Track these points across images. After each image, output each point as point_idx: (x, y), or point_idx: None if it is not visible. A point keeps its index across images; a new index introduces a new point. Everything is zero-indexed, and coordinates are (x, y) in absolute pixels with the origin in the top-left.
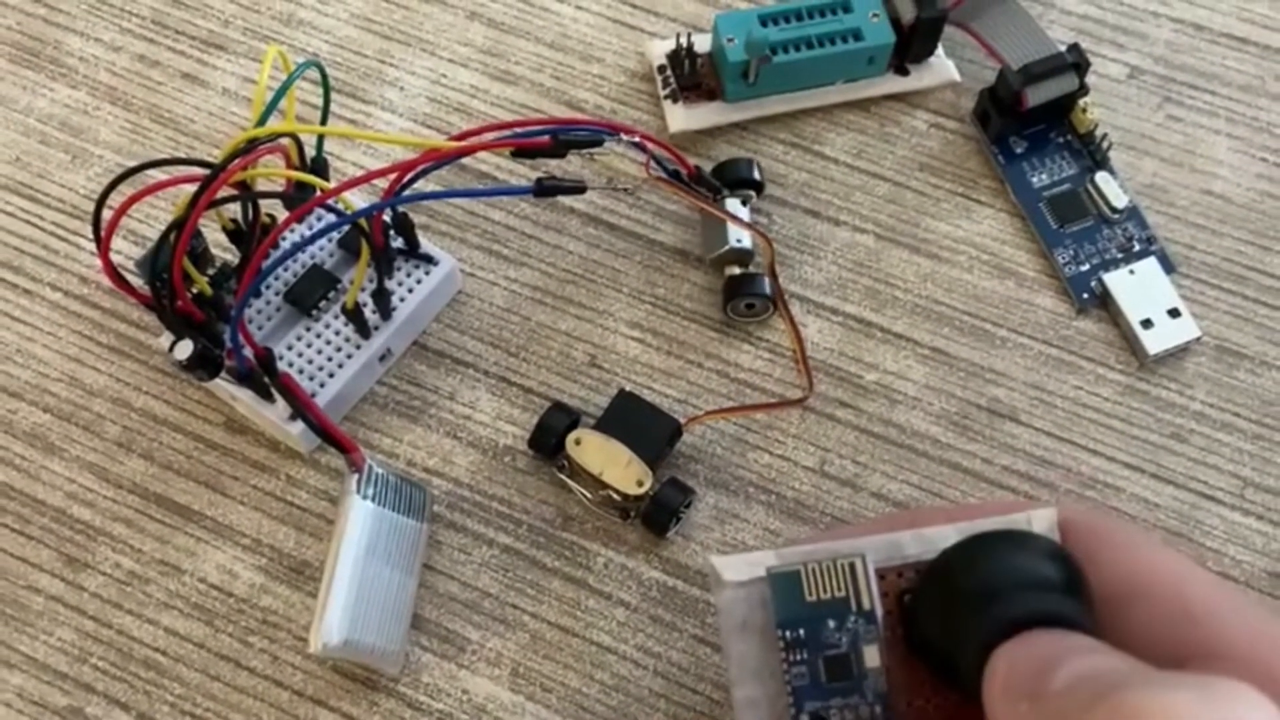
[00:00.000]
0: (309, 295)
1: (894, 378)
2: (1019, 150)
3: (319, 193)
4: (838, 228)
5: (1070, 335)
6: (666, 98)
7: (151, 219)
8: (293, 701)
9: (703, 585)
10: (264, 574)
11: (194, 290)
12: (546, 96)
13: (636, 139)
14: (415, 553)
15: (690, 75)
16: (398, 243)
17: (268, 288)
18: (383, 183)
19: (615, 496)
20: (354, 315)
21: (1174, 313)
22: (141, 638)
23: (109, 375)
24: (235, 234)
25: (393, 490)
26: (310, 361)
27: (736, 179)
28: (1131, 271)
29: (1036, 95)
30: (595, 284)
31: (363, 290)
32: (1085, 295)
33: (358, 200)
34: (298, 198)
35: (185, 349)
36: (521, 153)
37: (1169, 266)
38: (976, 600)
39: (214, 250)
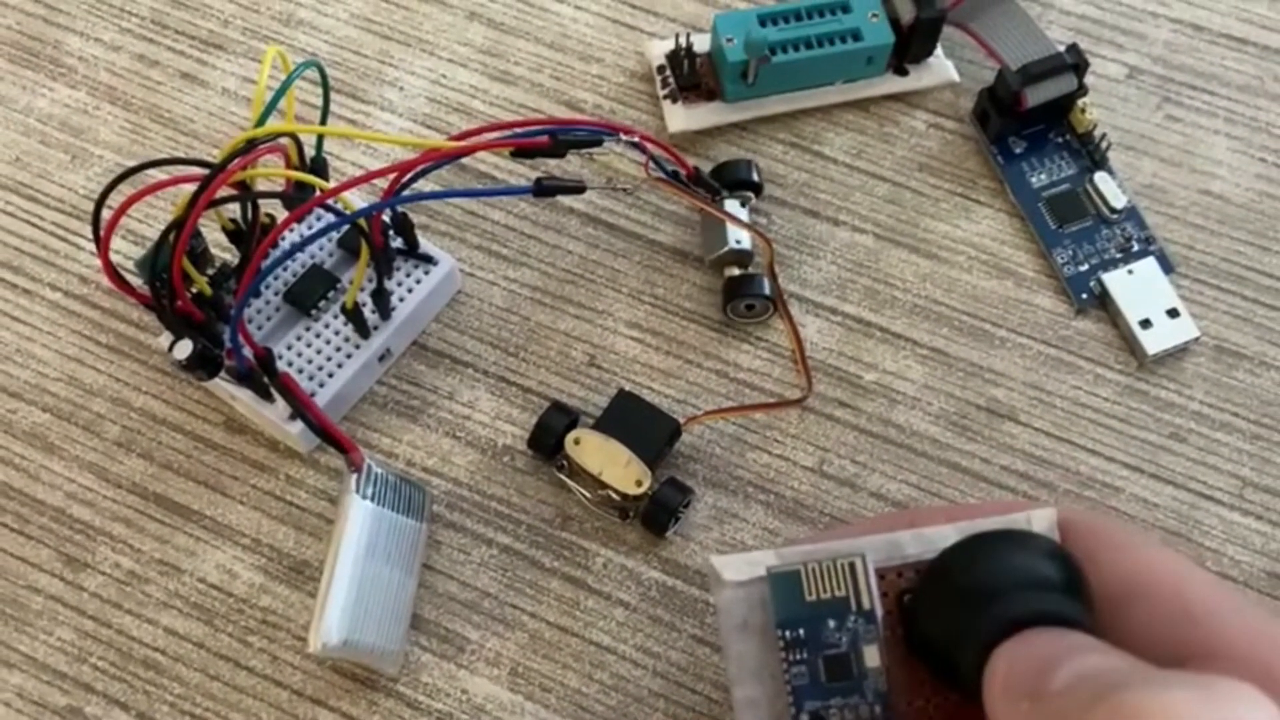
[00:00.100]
0: (308, 295)
1: (893, 378)
2: (1018, 150)
3: (318, 193)
4: (837, 228)
5: (1069, 335)
6: (666, 98)
7: (151, 219)
8: (292, 701)
9: (702, 585)
10: (263, 574)
11: (194, 290)
12: (546, 97)
13: (636, 139)
14: (415, 552)
15: (689, 75)
16: (397, 243)
17: (267, 288)
18: (382, 183)
19: (614, 496)
20: (353, 315)
21: (1173, 313)
22: (141, 637)
23: (108, 375)
24: (235, 234)
25: (392, 490)
26: (310, 361)
27: (735, 180)
28: (1130, 271)
29: (1035, 95)
30: (594, 284)
31: (362, 290)
32: (1084, 295)
33: (357, 200)
34: (297, 198)
35: (185, 349)
36: (521, 153)
37: (1168, 266)
38: (977, 600)
39: (214, 250)
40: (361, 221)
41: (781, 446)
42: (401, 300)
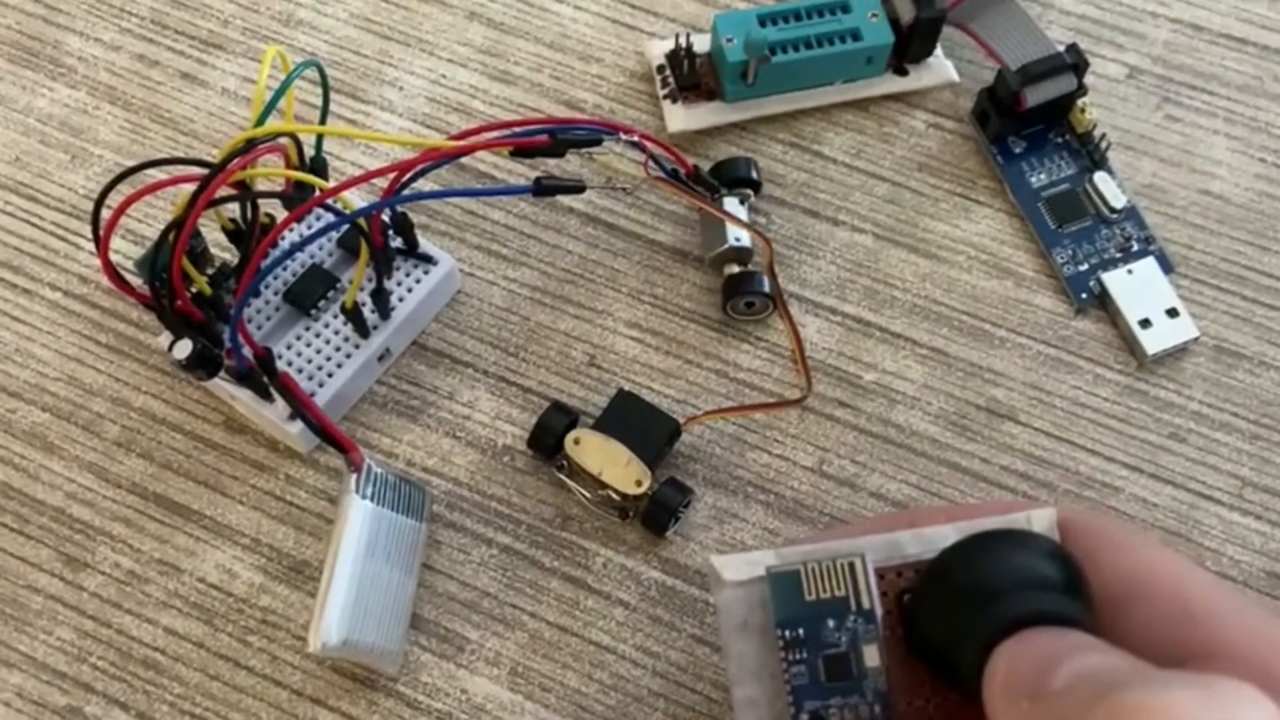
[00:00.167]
0: (308, 295)
1: (893, 377)
2: (1017, 150)
3: (318, 192)
4: (836, 228)
5: (1069, 335)
6: (665, 98)
7: (151, 219)
8: (292, 701)
9: (701, 585)
10: (263, 573)
11: (193, 290)
12: (546, 96)
13: (635, 138)
14: (414, 552)
15: (689, 75)
16: (397, 242)
17: (267, 287)
18: (382, 182)
19: (614, 496)
20: (353, 315)
21: (1172, 313)
22: (140, 637)
23: (108, 375)
24: (234, 234)
25: (392, 490)
26: (309, 361)
27: (734, 178)
28: (1130, 271)
29: (1035, 95)
30: (594, 284)
31: (362, 290)
32: (1084, 295)
33: (357, 200)
34: (297, 197)
35: (184, 349)
36: (520, 152)
37: (1167, 266)
38: (977, 599)
39: (213, 250)
40: (361, 221)
41: (781, 446)
42: (401, 300)
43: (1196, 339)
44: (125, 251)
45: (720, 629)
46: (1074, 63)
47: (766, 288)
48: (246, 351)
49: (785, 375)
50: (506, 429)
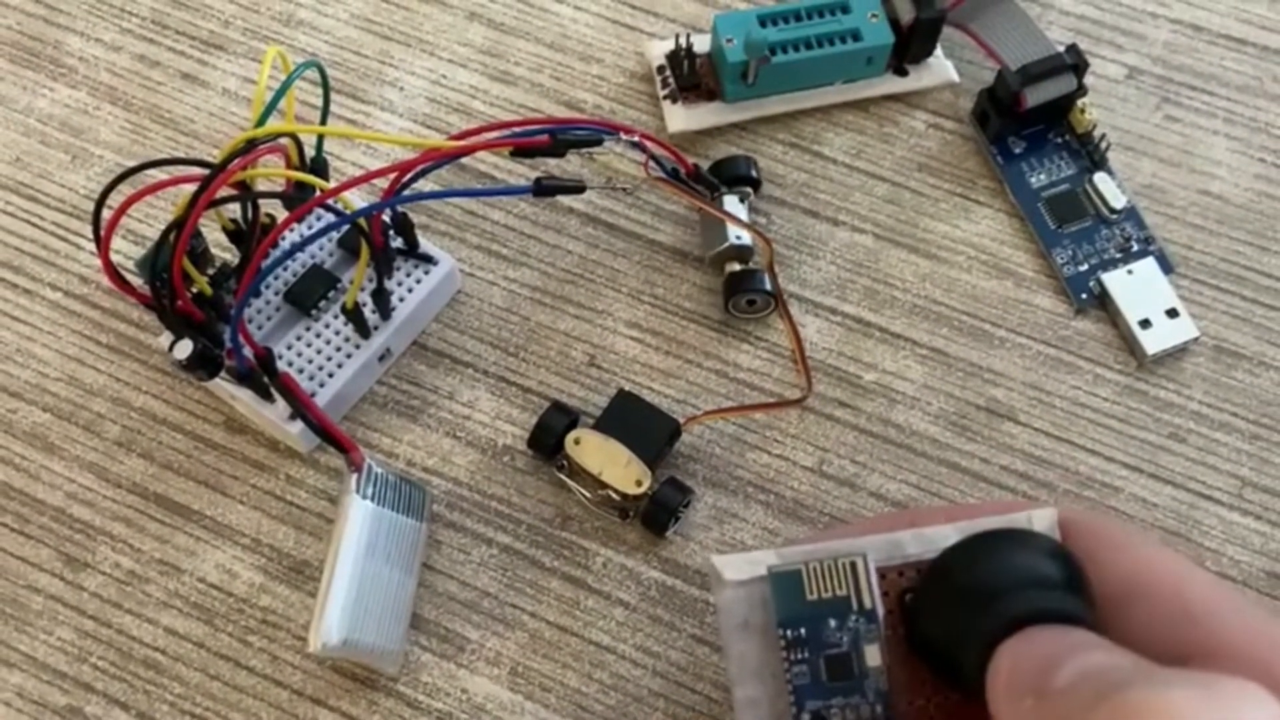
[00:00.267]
0: (309, 295)
1: (893, 378)
2: (1017, 150)
3: (319, 193)
4: (836, 228)
5: (1069, 335)
6: (666, 98)
7: (151, 219)
8: (292, 701)
9: (702, 585)
10: (263, 573)
11: (194, 290)
12: (546, 97)
13: (636, 138)
14: (415, 552)
15: (689, 76)
16: (397, 243)
17: (267, 287)
18: (382, 183)
19: (614, 496)
20: (353, 315)
21: (1172, 313)
22: (141, 637)
23: (109, 375)
24: (235, 234)
25: (392, 490)
26: (310, 361)
27: (733, 176)
28: (1130, 272)
29: (1035, 96)
30: (594, 284)
31: (362, 290)
32: (1084, 295)
33: (357, 200)
34: (297, 198)
35: (185, 349)
36: (521, 152)
37: (1167, 267)
38: (978, 598)
39: (214, 250)
40: (361, 221)
41: (781, 446)
42: (401, 300)
43: (1196, 339)
44: (126, 252)
45: (721, 629)
46: (1074, 63)
47: (768, 286)
48: (247, 351)
49: (785, 375)
50: (507, 429)
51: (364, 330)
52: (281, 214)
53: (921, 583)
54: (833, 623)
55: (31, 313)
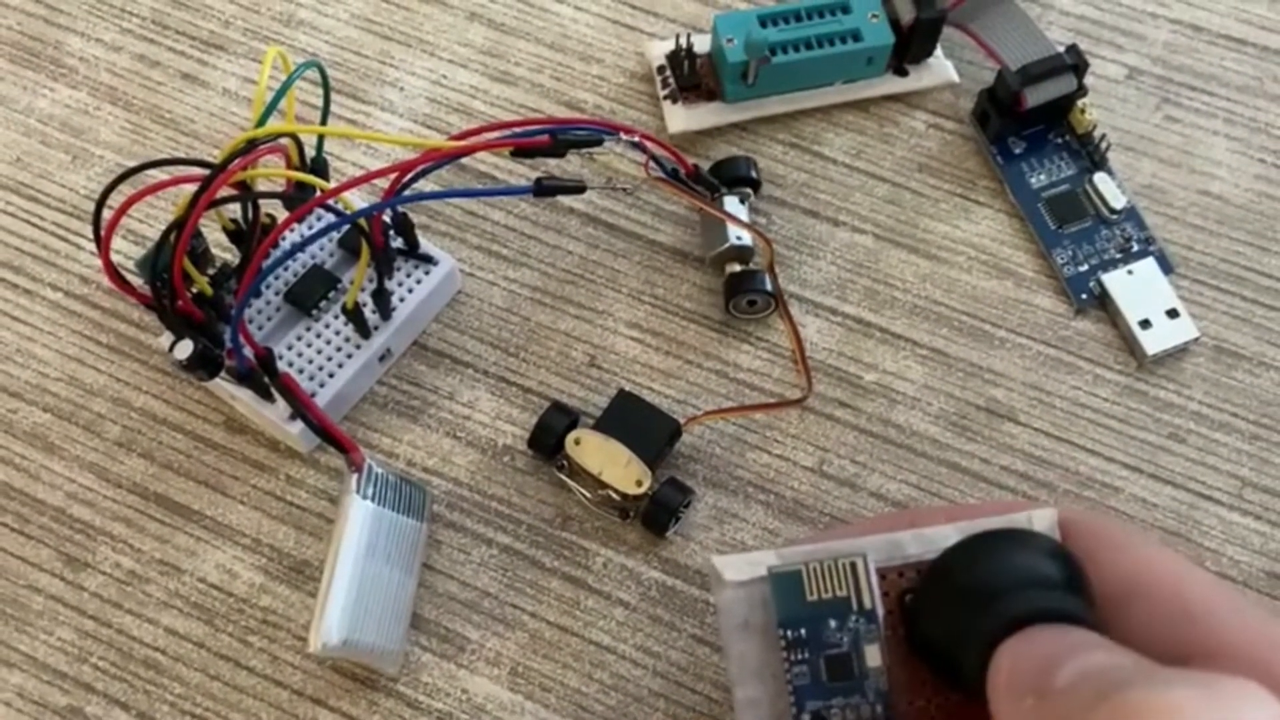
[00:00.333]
0: (309, 295)
1: (893, 378)
2: (1017, 151)
3: (319, 193)
4: (837, 228)
5: (1069, 335)
6: (666, 98)
7: (151, 219)
8: (292, 701)
9: (702, 585)
10: (263, 573)
11: (194, 290)
12: (546, 97)
13: (636, 139)
14: (415, 552)
15: (690, 76)
16: (397, 243)
17: (268, 288)
18: (383, 183)
19: (614, 496)
20: (354, 315)
21: (1172, 313)
22: (141, 637)
23: (109, 375)
24: (235, 234)
25: (392, 490)
26: (310, 361)
27: (734, 177)
28: (1130, 272)
29: (1035, 96)
30: (594, 284)
31: (363, 290)
32: (1084, 296)
33: (358, 200)
34: (298, 198)
35: (185, 349)
36: (521, 152)
37: (1167, 267)
38: (979, 598)
39: (214, 250)
40: (362, 221)
41: (781, 446)
42: (402, 300)
43: (1196, 339)
44: (126, 252)
45: (721, 629)
46: (1074, 63)
47: (768, 286)
48: (247, 352)
49: (785, 375)
50: (507, 429)
51: (364, 330)
52: (282, 214)
53: (922, 583)
54: (833, 623)
55: (31, 313)
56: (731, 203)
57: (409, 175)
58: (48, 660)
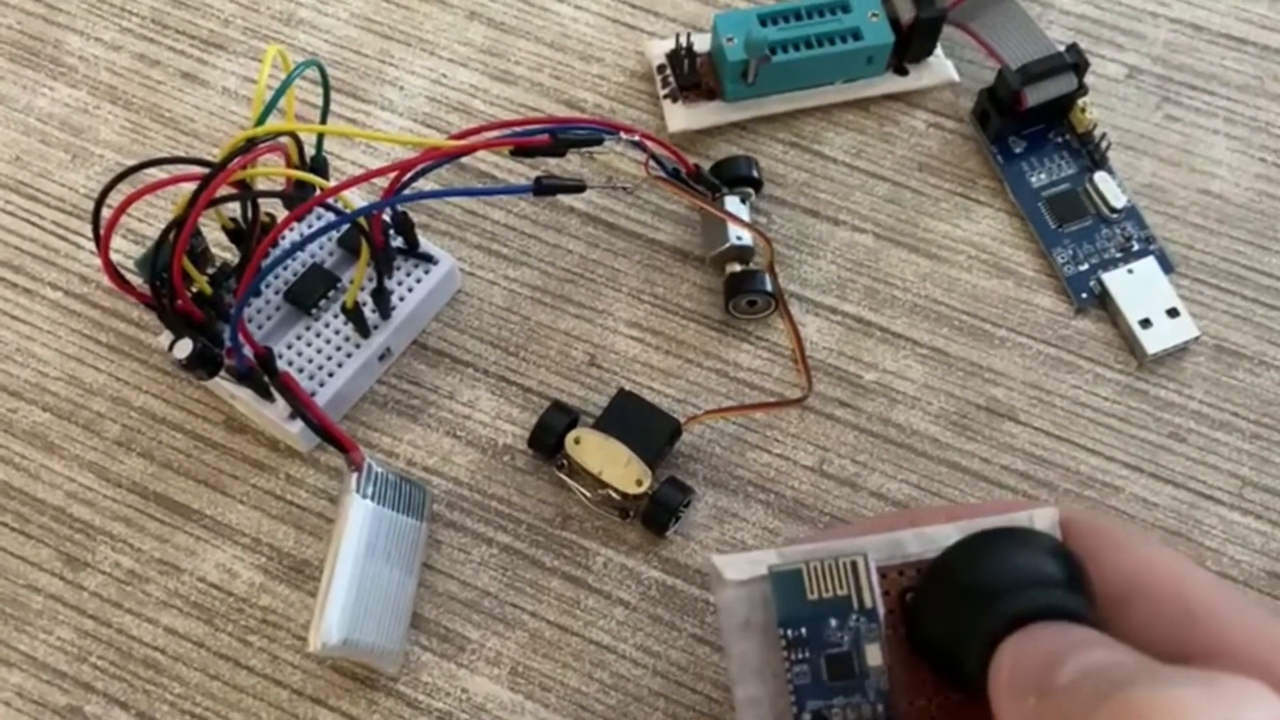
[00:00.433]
0: (309, 294)
1: (893, 377)
2: (1018, 150)
3: (319, 192)
4: (837, 227)
5: (1069, 335)
6: (666, 97)
7: (151, 218)
8: (292, 700)
9: (702, 584)
10: (263, 573)
11: (194, 289)
12: (546, 96)
13: (636, 138)
14: (415, 552)
15: (690, 75)
16: (397, 242)
17: (267, 287)
18: (382, 182)
19: (614, 496)
20: (354, 314)
21: (1172, 312)
22: (141, 637)
23: (108, 374)
24: (235, 233)
25: (392, 489)
26: (310, 360)
27: (735, 177)
28: (1130, 271)
29: (1035, 95)
30: (594, 283)
31: (362, 289)
32: (1084, 295)
33: (357, 199)
34: (297, 197)
35: (185, 348)
36: (521, 152)
37: (1167, 266)
38: (980, 597)
39: (214, 249)
40: (361, 220)
41: (781, 446)
42: (402, 299)
43: (1196, 339)
44: (126, 251)
45: (721, 628)
46: (1074, 62)
47: (769, 286)
48: (247, 351)
49: (785, 375)
50: (507, 428)
51: (364, 330)
52: (281, 213)
53: (922, 582)
54: (834, 622)
55: (31, 312)
56: (732, 202)
57: (409, 174)
58: (47, 660)
